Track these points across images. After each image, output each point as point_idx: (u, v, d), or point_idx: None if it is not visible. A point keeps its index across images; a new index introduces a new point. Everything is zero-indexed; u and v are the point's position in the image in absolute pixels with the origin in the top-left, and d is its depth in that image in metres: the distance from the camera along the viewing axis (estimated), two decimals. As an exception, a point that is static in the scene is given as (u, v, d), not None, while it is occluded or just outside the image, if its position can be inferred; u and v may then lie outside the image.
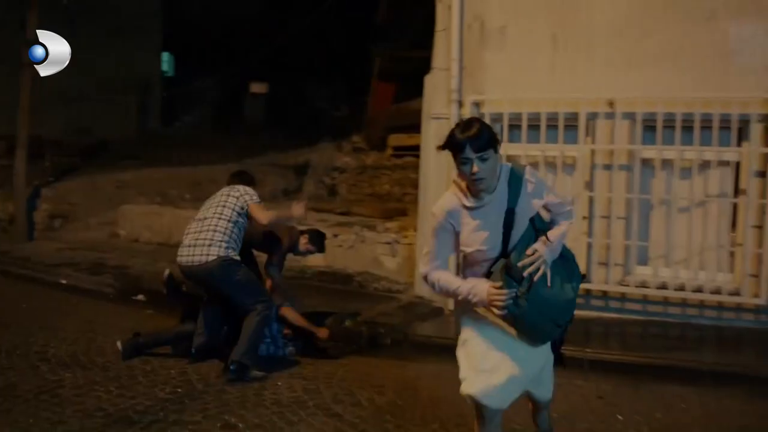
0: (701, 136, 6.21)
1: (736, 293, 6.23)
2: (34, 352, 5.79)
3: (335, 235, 8.45)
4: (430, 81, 7.13)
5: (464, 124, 3.09)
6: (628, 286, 6.49)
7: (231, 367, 5.20)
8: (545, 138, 6.61)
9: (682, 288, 6.34)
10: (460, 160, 3.05)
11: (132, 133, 17.44)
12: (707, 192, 6.40)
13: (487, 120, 6.69)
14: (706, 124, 6.17)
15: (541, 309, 3.02)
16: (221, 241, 5.32)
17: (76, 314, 7.12)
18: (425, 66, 7.24)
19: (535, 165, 6.46)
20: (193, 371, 5.38)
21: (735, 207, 6.36)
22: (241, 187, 5.59)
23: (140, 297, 7.66)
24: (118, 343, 5.66)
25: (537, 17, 6.73)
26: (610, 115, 6.48)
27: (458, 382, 3.22)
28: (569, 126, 6.54)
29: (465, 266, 3.25)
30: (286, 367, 5.53)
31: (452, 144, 3.07)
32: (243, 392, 4.97)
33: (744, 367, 5.42)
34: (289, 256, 6.32)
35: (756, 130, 6.13)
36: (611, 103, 6.46)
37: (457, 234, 3.14)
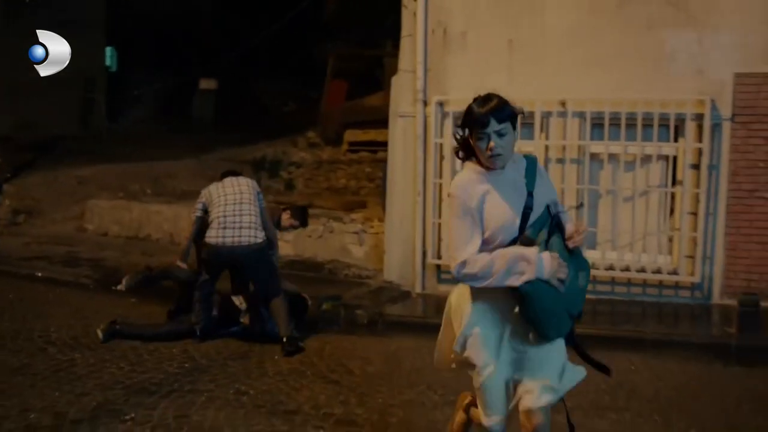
0: (643, 133, 6.79)
1: (675, 273, 6.86)
2: (38, 337, 6.05)
3: (304, 226, 8.85)
4: (397, 82, 7.62)
5: (483, 99, 2.96)
6: (579, 267, 7.11)
7: (289, 341, 5.69)
8: (504, 134, 7.15)
9: (627, 269, 6.92)
10: (478, 136, 2.91)
11: (77, 128, 17.23)
12: (648, 183, 6.95)
13: (450, 119, 7.26)
14: (648, 122, 6.75)
15: (558, 294, 2.92)
16: (261, 225, 5.82)
17: (63, 304, 7.29)
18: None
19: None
20: (194, 350, 5.78)
21: (673, 196, 6.95)
22: (244, 179, 6.16)
23: (120, 287, 7.91)
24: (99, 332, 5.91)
25: (495, 24, 7.21)
26: (563, 114, 6.99)
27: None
28: (525, 123, 6.94)
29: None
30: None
31: (472, 119, 2.93)
32: (246, 366, 5.43)
33: (681, 335, 6.15)
34: None
35: (690, 127, 6.73)
36: (563, 103, 6.96)
37: (480, 212, 2.93)
